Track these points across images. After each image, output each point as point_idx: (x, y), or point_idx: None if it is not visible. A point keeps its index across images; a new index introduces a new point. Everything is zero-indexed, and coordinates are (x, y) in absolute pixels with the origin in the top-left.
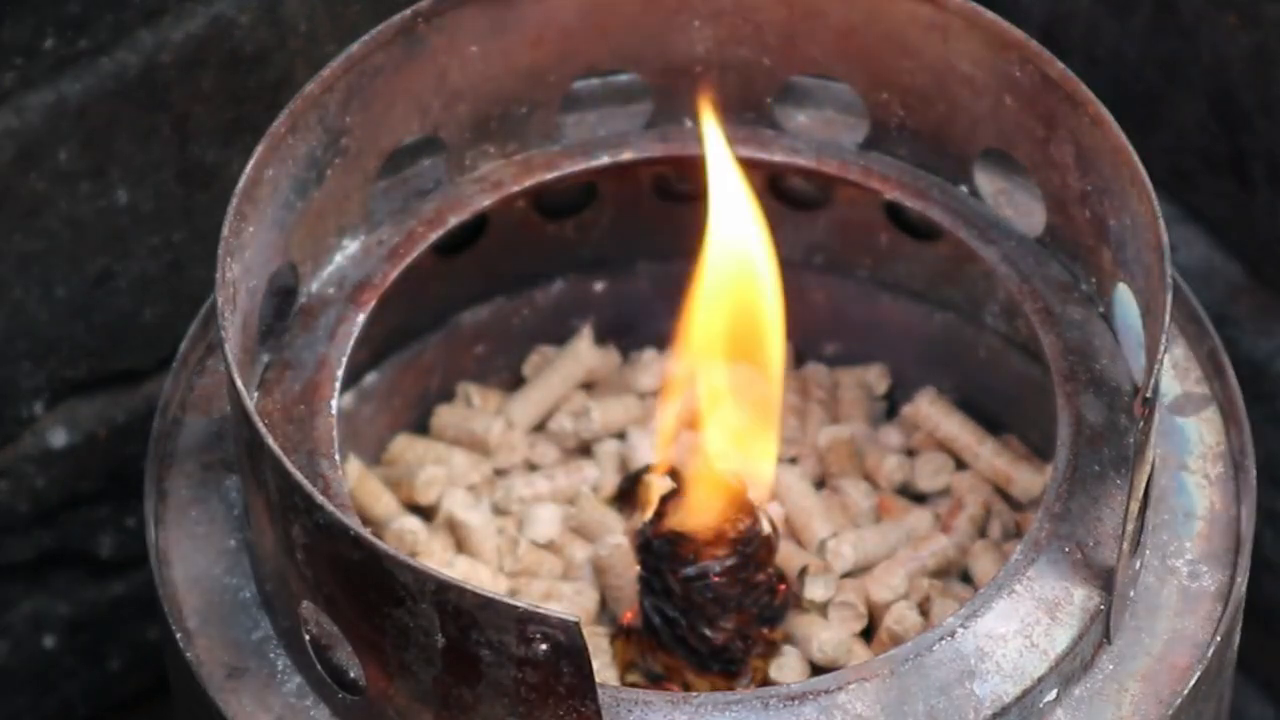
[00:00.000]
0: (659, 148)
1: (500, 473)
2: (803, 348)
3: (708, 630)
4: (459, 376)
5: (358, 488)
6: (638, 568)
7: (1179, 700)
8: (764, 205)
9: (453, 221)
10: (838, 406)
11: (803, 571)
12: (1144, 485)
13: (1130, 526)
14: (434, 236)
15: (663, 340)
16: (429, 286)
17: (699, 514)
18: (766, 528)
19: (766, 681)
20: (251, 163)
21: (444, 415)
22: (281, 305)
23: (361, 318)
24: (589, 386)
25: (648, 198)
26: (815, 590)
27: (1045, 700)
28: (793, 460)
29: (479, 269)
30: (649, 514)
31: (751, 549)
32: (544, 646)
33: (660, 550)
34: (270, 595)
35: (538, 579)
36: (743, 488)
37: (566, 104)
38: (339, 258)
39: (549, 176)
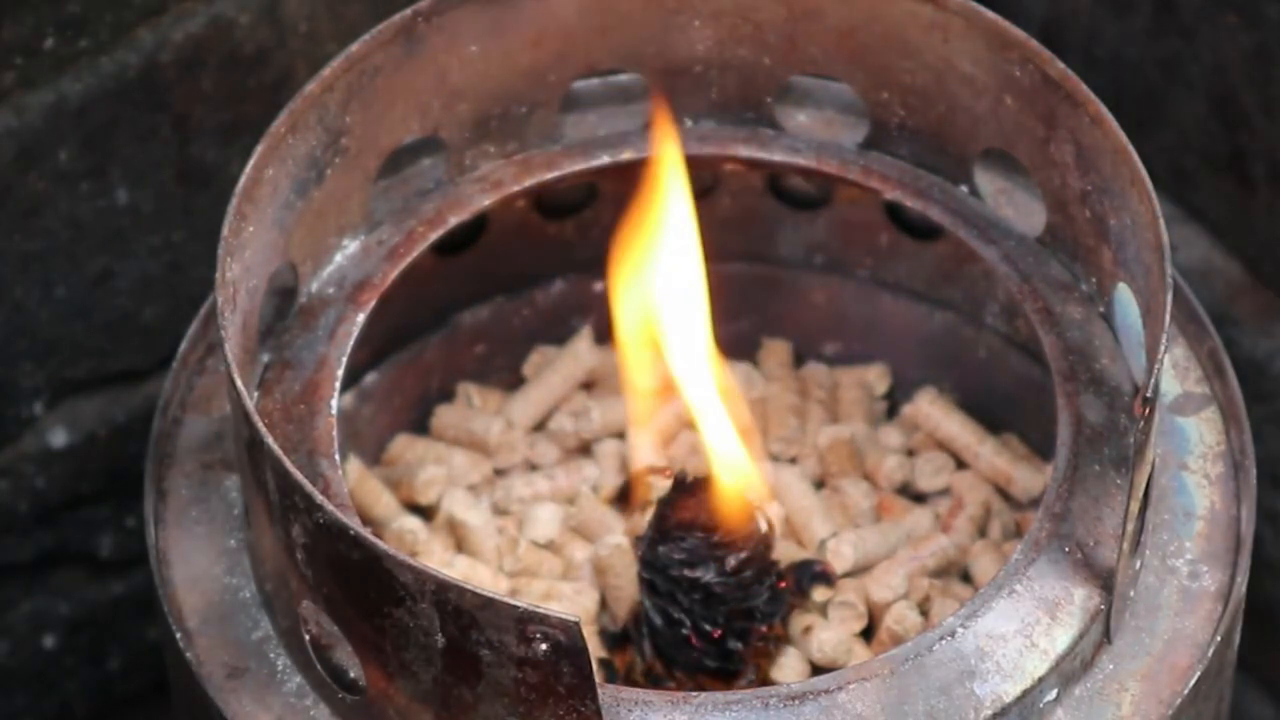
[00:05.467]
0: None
1: (500, 473)
2: (803, 348)
3: (708, 629)
4: (459, 376)
5: (358, 488)
6: (638, 568)
7: (1179, 700)
8: (764, 205)
9: (453, 221)
10: (838, 406)
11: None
12: (1144, 485)
13: (1130, 526)
14: (434, 236)
15: None
16: (429, 286)
17: (699, 514)
18: (764, 527)
19: (766, 681)
20: (251, 163)
21: (444, 415)
22: (281, 305)
23: (361, 318)
24: (589, 386)
25: None
26: (815, 590)
27: (1045, 700)
28: (793, 460)
29: (479, 269)
30: (649, 514)
31: (751, 549)
32: (544, 646)
33: (661, 550)
34: (270, 595)
35: (538, 579)
36: (742, 487)
37: (566, 104)
38: (339, 258)
39: (549, 176)
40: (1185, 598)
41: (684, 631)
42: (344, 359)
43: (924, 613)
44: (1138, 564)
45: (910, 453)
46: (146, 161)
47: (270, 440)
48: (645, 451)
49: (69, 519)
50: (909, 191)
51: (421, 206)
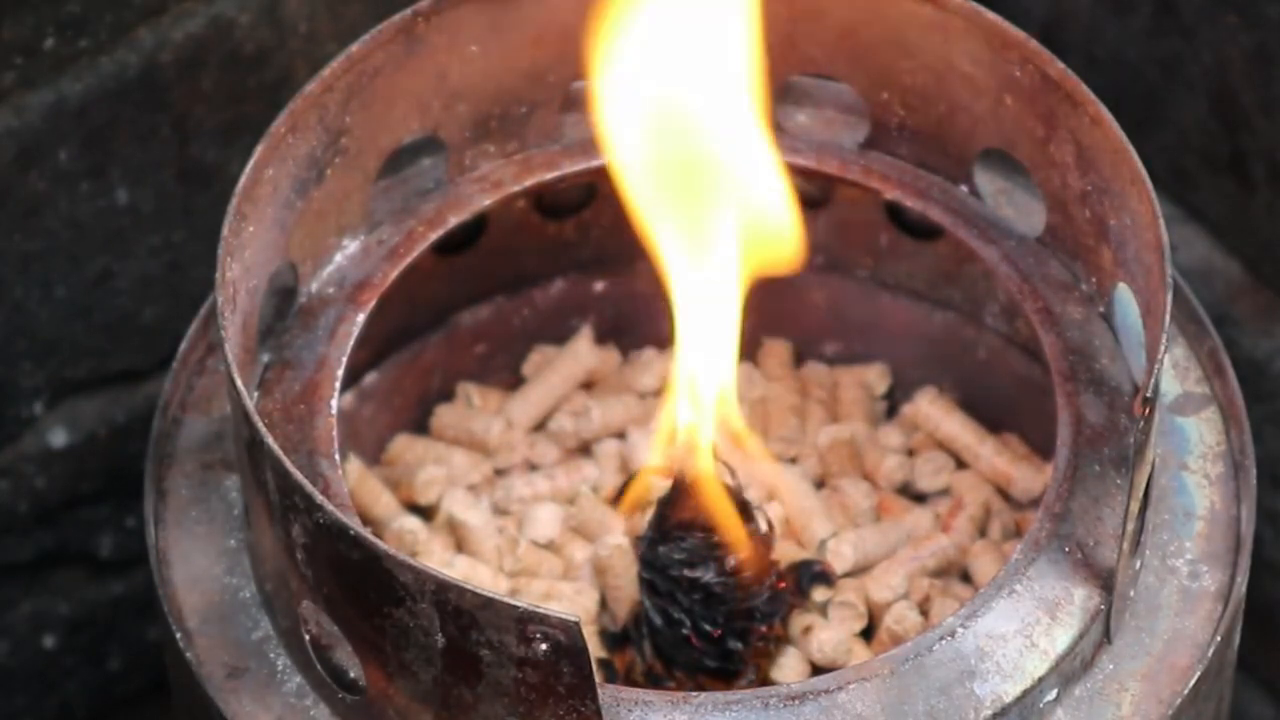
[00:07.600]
0: None
1: (500, 473)
2: (803, 348)
3: (708, 629)
4: (459, 376)
5: (358, 488)
6: (638, 568)
7: (1179, 700)
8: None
9: (453, 221)
10: (838, 406)
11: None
12: (1144, 485)
13: (1130, 526)
14: (434, 236)
15: (663, 340)
16: (429, 286)
17: (699, 514)
18: (764, 526)
19: (766, 681)
20: (251, 163)
21: (444, 415)
22: (281, 305)
23: (361, 318)
24: (589, 386)
25: None
26: (815, 590)
27: (1045, 700)
28: (793, 460)
29: (479, 269)
30: (649, 514)
31: (751, 549)
32: (544, 646)
33: (661, 550)
34: (270, 595)
35: (538, 579)
36: (742, 488)
37: (566, 104)
38: (339, 258)
39: (549, 176)
40: (1185, 598)
41: (684, 631)
42: (344, 359)
43: (924, 613)
44: (1138, 564)
45: (910, 453)
46: (146, 161)
47: (270, 440)
48: (645, 451)
49: (69, 519)
50: (909, 191)
51: (421, 206)
